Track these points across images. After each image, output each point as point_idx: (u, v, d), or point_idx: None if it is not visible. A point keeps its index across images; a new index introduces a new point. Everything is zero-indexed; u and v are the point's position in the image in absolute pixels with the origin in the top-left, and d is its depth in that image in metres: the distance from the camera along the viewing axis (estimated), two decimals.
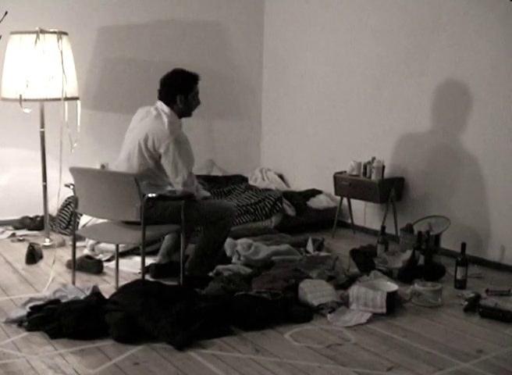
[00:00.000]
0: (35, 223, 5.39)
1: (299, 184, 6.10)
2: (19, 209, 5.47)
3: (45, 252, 4.69)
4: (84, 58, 5.55)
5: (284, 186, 6.14)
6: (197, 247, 4.06)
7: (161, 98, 3.99)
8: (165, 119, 3.87)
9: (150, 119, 3.93)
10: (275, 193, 5.53)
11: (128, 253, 4.61)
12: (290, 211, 5.48)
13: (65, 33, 4.84)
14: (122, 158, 3.99)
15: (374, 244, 4.72)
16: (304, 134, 6.11)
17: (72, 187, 3.86)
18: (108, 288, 3.89)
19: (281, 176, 6.34)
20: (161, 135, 3.82)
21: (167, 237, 4.28)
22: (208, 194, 4.17)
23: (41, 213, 5.13)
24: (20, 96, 4.63)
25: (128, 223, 3.78)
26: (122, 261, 4.31)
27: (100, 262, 4.40)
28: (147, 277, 3.99)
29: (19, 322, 3.35)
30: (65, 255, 4.65)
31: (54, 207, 5.26)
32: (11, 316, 3.39)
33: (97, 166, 5.51)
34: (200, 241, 4.05)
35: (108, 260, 4.51)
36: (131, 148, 3.93)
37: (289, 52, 6.21)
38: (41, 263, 4.52)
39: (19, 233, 5.28)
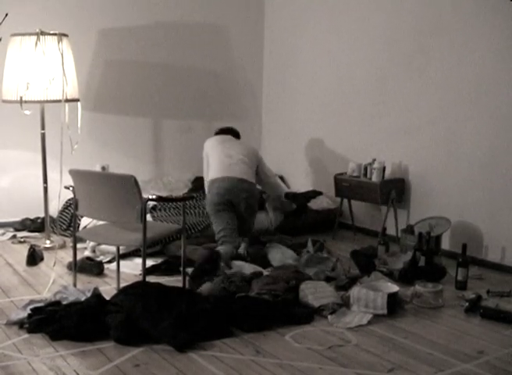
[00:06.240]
0: (36, 225, 5.40)
1: (299, 185, 6.10)
2: (19, 211, 5.48)
3: (46, 254, 4.70)
4: (85, 60, 5.56)
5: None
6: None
7: None
8: None
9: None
10: None
11: (129, 255, 4.61)
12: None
13: (66, 35, 4.84)
14: None
15: (374, 245, 4.72)
16: (304, 135, 6.11)
17: (71, 188, 3.85)
18: (108, 290, 3.89)
19: (281, 178, 6.31)
20: None
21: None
22: None
23: (42, 215, 5.14)
24: (21, 98, 4.64)
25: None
26: (123, 262, 4.31)
27: (101, 263, 4.40)
28: (151, 278, 3.98)
29: (20, 324, 3.35)
30: (66, 256, 4.65)
31: (55, 209, 5.27)
32: (12, 318, 3.39)
33: (98, 168, 5.51)
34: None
35: (109, 262, 4.51)
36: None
37: (289, 53, 6.21)
38: (42, 265, 4.53)
39: (19, 234, 5.29)
